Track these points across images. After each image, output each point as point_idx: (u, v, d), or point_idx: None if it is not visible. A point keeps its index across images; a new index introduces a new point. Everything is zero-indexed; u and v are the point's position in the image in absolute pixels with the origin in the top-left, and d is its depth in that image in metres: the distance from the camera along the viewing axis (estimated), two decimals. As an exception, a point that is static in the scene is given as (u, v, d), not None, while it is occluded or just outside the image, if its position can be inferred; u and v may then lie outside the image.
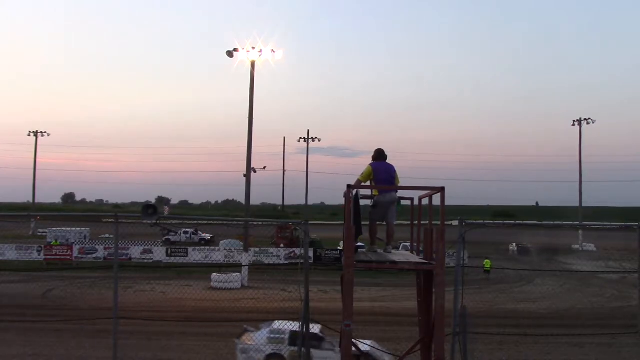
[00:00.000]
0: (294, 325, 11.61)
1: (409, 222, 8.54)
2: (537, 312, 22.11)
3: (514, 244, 51.02)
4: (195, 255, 38.36)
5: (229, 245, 40.70)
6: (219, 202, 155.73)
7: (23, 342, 13.78)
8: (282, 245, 42.67)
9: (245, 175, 31.32)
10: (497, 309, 21.62)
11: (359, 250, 8.37)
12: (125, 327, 8.76)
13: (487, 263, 33.32)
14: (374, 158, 7.80)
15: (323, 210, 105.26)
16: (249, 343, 12.29)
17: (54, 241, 43.26)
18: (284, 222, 53.85)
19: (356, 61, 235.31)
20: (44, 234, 51.39)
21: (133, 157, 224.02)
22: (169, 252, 39.07)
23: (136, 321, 11.73)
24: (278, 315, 13.98)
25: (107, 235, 48.52)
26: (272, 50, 32.58)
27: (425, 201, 7.77)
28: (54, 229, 49.03)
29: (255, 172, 33.28)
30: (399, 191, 7.81)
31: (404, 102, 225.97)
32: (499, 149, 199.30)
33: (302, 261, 7.66)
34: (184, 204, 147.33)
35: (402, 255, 8.29)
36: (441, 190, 6.51)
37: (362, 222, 7.35)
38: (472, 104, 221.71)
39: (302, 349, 7.44)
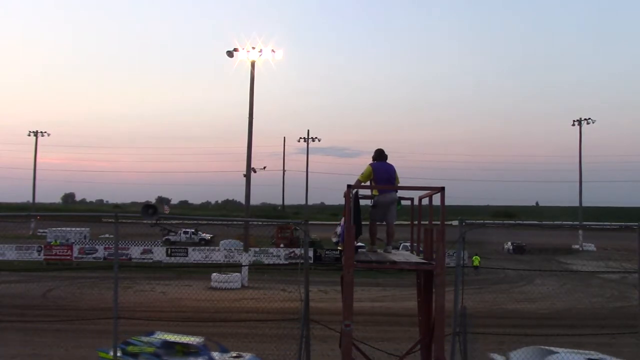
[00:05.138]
0: None
1: (409, 222, 8.54)
2: (537, 312, 22.09)
3: (509, 243, 51.08)
4: (195, 255, 38.36)
5: (229, 245, 40.71)
6: (219, 202, 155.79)
7: (23, 342, 13.78)
8: (282, 245, 42.65)
9: (245, 175, 31.33)
10: (497, 309, 21.59)
11: (359, 250, 8.39)
12: (125, 327, 8.77)
13: (476, 260, 33.85)
14: (374, 158, 7.80)
15: (323, 210, 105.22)
16: None
17: (54, 241, 43.25)
18: (284, 222, 53.84)
19: (356, 61, 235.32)
20: (44, 234, 51.40)
21: (133, 157, 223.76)
22: (169, 252, 39.07)
23: (136, 321, 11.73)
24: (278, 315, 13.97)
25: (107, 235, 48.55)
26: (272, 50, 32.58)
27: (425, 201, 7.77)
28: (54, 229, 49.03)
29: (255, 172, 33.32)
30: (399, 191, 7.82)
31: (404, 102, 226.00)
32: (499, 149, 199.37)
33: (302, 261, 7.66)
34: (184, 204, 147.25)
35: (402, 255, 8.30)
36: (441, 190, 6.52)
37: (362, 222, 7.36)
38: (472, 104, 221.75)
39: (302, 350, 7.43)
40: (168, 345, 10.73)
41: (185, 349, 10.82)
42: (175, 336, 11.17)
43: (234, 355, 11.36)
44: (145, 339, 10.73)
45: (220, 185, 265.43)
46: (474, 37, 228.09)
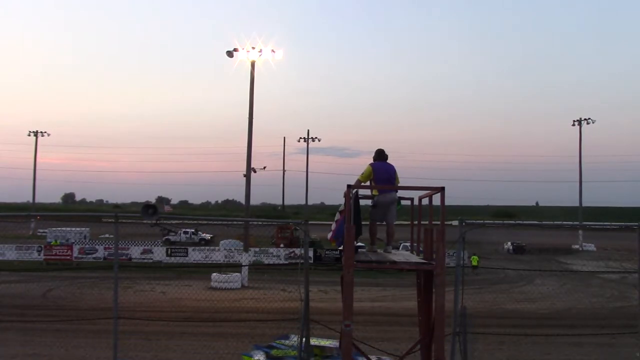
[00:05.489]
0: None
1: (409, 222, 8.53)
2: (537, 312, 22.07)
3: (509, 243, 51.09)
4: (195, 255, 38.37)
5: (229, 245, 40.71)
6: (219, 202, 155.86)
7: (23, 342, 13.76)
8: (282, 245, 42.66)
9: (245, 175, 31.32)
10: (497, 309, 21.58)
11: (359, 250, 8.38)
12: (125, 327, 8.77)
13: (474, 259, 33.99)
14: (374, 158, 7.80)
15: (323, 210, 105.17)
16: None
17: (54, 241, 43.25)
18: (284, 222, 53.85)
19: (356, 61, 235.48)
20: (44, 234, 51.40)
21: (133, 157, 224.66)
22: (169, 252, 39.08)
23: (136, 321, 11.75)
24: (278, 315, 13.97)
25: (107, 235, 48.56)
26: (272, 50, 32.57)
27: (425, 201, 7.77)
28: (54, 229, 49.03)
29: (255, 172, 33.31)
30: (398, 191, 7.82)
31: (404, 102, 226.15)
32: (499, 149, 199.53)
33: (302, 261, 7.66)
34: (184, 204, 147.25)
35: (402, 255, 8.30)
36: (441, 190, 6.51)
37: (362, 222, 7.35)
38: (472, 104, 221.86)
39: (302, 350, 7.43)
40: (310, 349, 10.49)
41: (322, 352, 10.55)
42: (313, 339, 10.87)
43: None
44: (287, 342, 10.45)
45: (220, 185, 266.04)
46: (474, 37, 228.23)
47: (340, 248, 7.49)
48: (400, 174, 7.77)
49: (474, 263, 33.52)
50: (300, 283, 7.44)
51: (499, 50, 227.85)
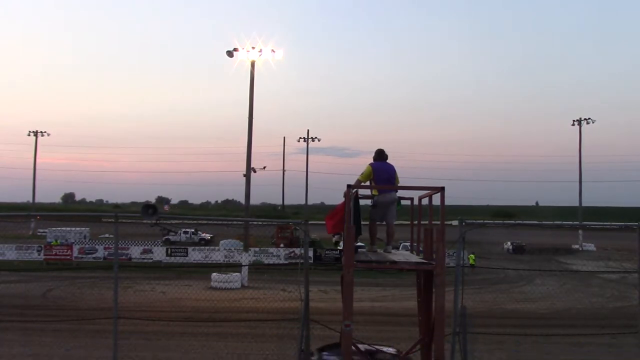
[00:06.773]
0: None
1: (409, 222, 8.53)
2: (537, 312, 22.08)
3: (509, 243, 51.10)
4: (195, 255, 38.38)
5: (229, 245, 40.71)
6: (219, 202, 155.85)
7: (23, 342, 13.77)
8: (282, 245, 42.66)
9: (245, 175, 31.33)
10: (497, 309, 21.58)
11: (359, 250, 8.37)
12: (125, 327, 8.76)
13: (471, 258, 34.17)
14: (374, 158, 7.79)
15: (323, 210, 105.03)
16: None
17: (54, 241, 43.27)
18: (284, 222, 53.84)
19: (356, 61, 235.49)
20: (44, 234, 51.42)
21: (133, 157, 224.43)
22: (169, 252, 39.09)
23: (136, 321, 11.72)
24: (278, 315, 13.96)
25: (107, 235, 48.57)
26: (272, 50, 32.59)
27: (425, 201, 7.77)
28: (54, 229, 49.09)
29: (255, 172, 33.30)
30: (398, 191, 7.81)
31: (404, 102, 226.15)
32: (499, 149, 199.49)
33: (302, 261, 7.65)
34: (184, 204, 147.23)
35: (402, 255, 8.29)
36: (441, 190, 6.51)
37: (362, 222, 7.35)
38: (472, 104, 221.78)
39: (302, 350, 7.43)
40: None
41: None
42: None
43: None
44: None
45: (220, 185, 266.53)
46: (474, 37, 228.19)
47: (340, 248, 7.48)
48: (400, 174, 7.77)
49: (471, 262, 33.62)
50: (300, 283, 7.44)
51: (499, 50, 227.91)
